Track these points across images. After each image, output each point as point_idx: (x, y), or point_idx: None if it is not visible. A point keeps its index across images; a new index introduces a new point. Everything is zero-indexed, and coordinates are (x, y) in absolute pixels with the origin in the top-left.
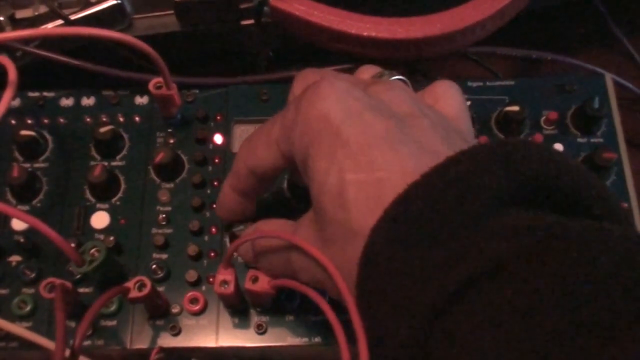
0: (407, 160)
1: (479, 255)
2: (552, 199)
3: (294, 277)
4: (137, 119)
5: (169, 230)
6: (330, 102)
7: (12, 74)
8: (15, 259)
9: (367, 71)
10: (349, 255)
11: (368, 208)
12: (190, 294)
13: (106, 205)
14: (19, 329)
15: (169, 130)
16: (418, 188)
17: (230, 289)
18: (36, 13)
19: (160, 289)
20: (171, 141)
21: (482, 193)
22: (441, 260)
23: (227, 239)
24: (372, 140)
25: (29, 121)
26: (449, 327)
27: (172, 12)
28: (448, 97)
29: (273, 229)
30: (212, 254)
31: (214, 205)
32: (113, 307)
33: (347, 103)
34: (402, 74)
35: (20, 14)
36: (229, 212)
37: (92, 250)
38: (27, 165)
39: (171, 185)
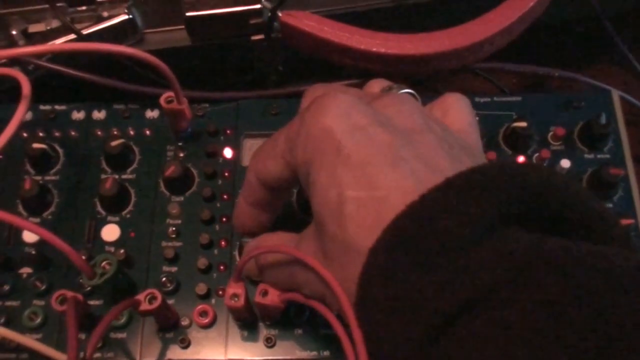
0: (407, 179)
1: (473, 281)
2: (551, 221)
3: (297, 291)
4: (147, 132)
5: (178, 244)
6: (333, 115)
7: (26, 88)
8: (26, 270)
9: (376, 85)
10: (348, 273)
11: (366, 227)
12: (199, 306)
13: (117, 218)
14: (29, 341)
15: (179, 144)
16: (415, 210)
17: (240, 302)
18: (49, 27)
19: (170, 301)
20: (181, 155)
21: (479, 216)
22: (436, 285)
23: (236, 253)
24: (373, 157)
25: (41, 134)
26: (444, 350)
27: (182, 27)
28: (457, 110)
29: (276, 244)
30: (222, 267)
31: (224, 219)
32: (123, 320)
33: (350, 117)
34: (411, 88)
35: (33, 28)
36: (245, 225)
37: (104, 263)
38: (39, 178)
39: (181, 198)
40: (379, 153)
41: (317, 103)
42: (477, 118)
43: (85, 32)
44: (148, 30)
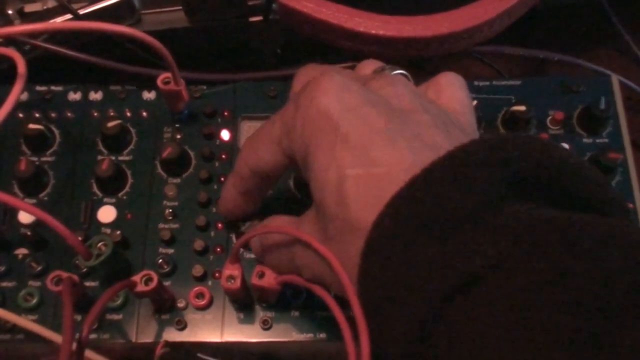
0: (406, 155)
1: (480, 252)
2: (553, 194)
3: (298, 274)
4: (144, 114)
5: (175, 225)
6: (330, 97)
7: (22, 67)
8: (21, 252)
9: (368, 66)
10: (349, 251)
11: (368, 204)
12: (196, 288)
13: (113, 200)
14: (25, 322)
15: (176, 125)
16: (418, 183)
17: (236, 284)
18: (45, 7)
19: (166, 283)
20: (178, 136)
21: (482, 188)
22: (441, 257)
23: (233, 235)
24: (371, 135)
25: (37, 115)
26: (449, 322)
27: (180, 8)
28: (451, 91)
29: (278, 225)
30: (218, 250)
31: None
32: (119, 301)
33: (346, 98)
34: (404, 69)
35: (30, 7)
36: (231, 211)
37: (100, 244)
38: (35, 158)
39: (178, 180)
40: (377, 132)
41: (313, 85)
42: (471, 98)
43: (82, 12)
44: (145, 11)
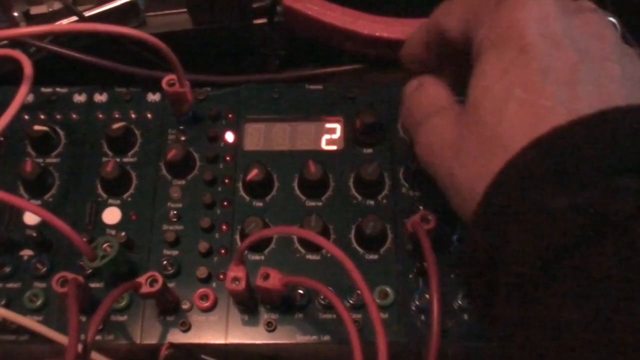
0: (576, 100)
1: (608, 206)
2: None
3: (415, 143)
4: (149, 115)
5: (179, 227)
6: (532, 14)
7: (28, 68)
8: (27, 253)
9: None
10: (484, 161)
11: (522, 128)
12: (200, 290)
13: (118, 201)
14: (30, 323)
15: (181, 127)
16: (571, 130)
17: (241, 285)
18: (51, 9)
19: (171, 285)
20: (183, 138)
21: (620, 155)
22: (574, 204)
23: (237, 236)
24: (554, 70)
25: (42, 117)
26: (576, 263)
27: (185, 10)
28: None
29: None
30: (223, 251)
31: (225, 203)
32: (124, 302)
33: (547, 23)
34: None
35: (35, 10)
36: (409, 54)
37: (105, 245)
38: (40, 160)
39: (182, 182)
40: (561, 68)
41: None
42: None
43: (87, 14)
44: (150, 13)
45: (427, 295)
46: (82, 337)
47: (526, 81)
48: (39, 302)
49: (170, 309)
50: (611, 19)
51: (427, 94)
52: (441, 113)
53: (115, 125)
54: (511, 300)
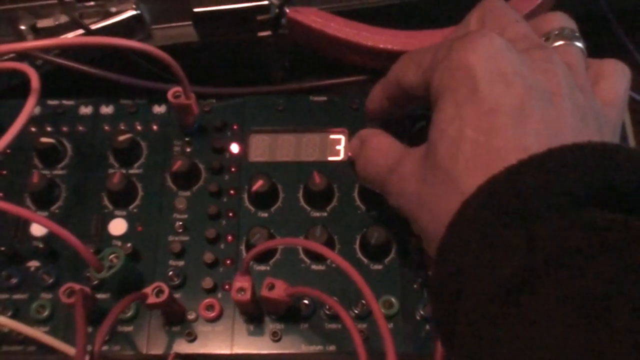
0: (526, 137)
1: (559, 242)
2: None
3: (383, 193)
4: (154, 127)
5: (185, 238)
6: (480, 56)
7: (35, 81)
8: (34, 264)
9: (550, 23)
10: (441, 202)
11: (476, 168)
12: (206, 301)
13: (124, 213)
14: (37, 333)
15: (186, 139)
16: (524, 168)
17: (247, 296)
18: (57, 23)
19: (177, 295)
20: (188, 150)
21: (571, 190)
22: (528, 238)
23: (243, 247)
24: (503, 107)
25: (49, 129)
26: (525, 302)
27: (190, 23)
28: (612, 81)
29: (365, 167)
30: (228, 262)
31: (230, 214)
32: (130, 313)
33: (495, 62)
34: (582, 42)
35: (42, 23)
36: (373, 110)
37: (111, 257)
38: (47, 172)
39: (188, 193)
40: (510, 105)
41: (471, 37)
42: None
43: (93, 27)
44: (156, 26)
45: None
46: (89, 347)
47: (477, 121)
48: (45, 313)
49: (176, 320)
50: (576, 43)
51: (379, 150)
52: (400, 164)
53: (121, 137)
54: (466, 334)
